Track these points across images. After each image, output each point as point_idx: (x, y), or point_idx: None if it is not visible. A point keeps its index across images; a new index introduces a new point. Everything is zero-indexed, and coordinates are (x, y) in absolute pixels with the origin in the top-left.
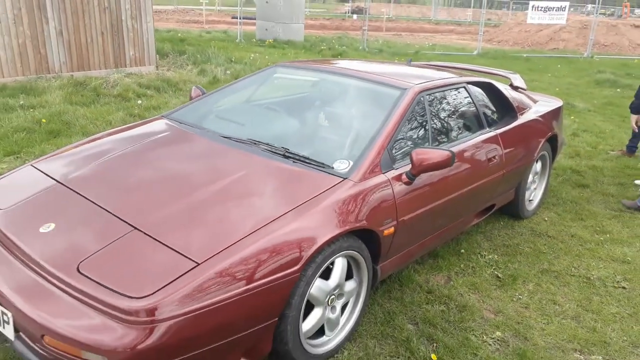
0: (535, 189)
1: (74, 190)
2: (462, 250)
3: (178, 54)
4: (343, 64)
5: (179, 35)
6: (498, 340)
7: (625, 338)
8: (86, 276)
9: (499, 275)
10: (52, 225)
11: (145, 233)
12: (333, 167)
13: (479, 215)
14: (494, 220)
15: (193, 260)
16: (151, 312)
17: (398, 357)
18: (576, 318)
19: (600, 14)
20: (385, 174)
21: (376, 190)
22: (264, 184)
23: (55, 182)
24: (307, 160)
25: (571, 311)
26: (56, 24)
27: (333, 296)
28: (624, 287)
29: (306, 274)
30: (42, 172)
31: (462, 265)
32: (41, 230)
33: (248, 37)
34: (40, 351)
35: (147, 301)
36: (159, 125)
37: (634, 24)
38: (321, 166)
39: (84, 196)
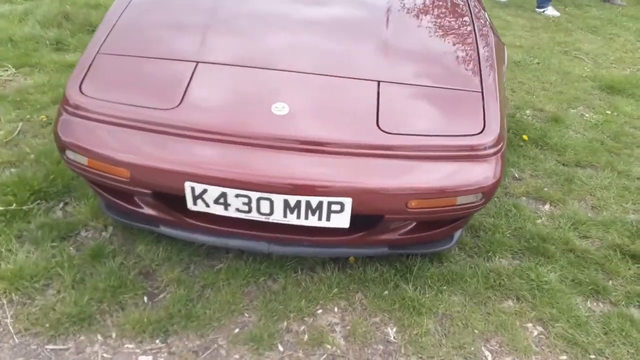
0: None
1: (245, 66)
2: None
3: None
4: None
5: None
6: None
7: None
8: (396, 133)
9: None
10: (284, 105)
11: (395, 82)
12: None
13: None
14: None
15: (476, 91)
16: (496, 143)
17: None
18: None
19: None
20: None
21: None
22: None
23: (207, 63)
24: None
25: None
26: None
27: None
28: None
29: None
30: (158, 57)
31: None
32: (276, 112)
33: None
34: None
35: (489, 136)
36: None
37: None
38: None
39: (266, 68)
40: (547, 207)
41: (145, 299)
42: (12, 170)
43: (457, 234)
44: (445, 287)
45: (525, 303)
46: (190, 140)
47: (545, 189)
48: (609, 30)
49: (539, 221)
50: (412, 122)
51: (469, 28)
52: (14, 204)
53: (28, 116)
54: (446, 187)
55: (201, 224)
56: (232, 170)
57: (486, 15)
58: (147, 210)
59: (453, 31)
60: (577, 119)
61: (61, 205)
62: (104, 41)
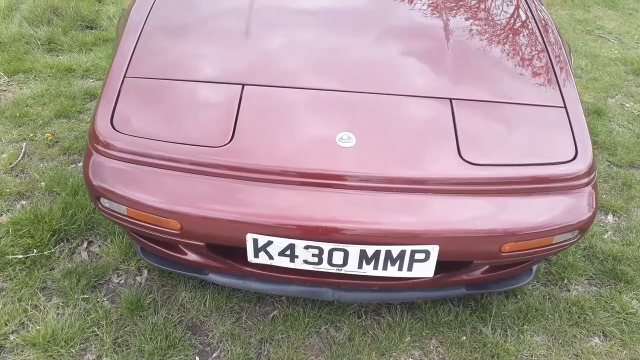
0: None
1: (298, 87)
2: None
3: None
4: None
5: None
6: None
7: None
8: (483, 164)
9: None
10: (349, 135)
11: (469, 99)
12: None
13: None
14: None
15: (559, 107)
16: (590, 170)
17: None
18: None
19: None
20: None
21: None
22: None
23: (256, 86)
24: None
25: None
26: None
27: None
28: None
29: None
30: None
31: None
32: (342, 145)
33: None
34: (498, 262)
35: (583, 163)
36: None
37: None
38: None
39: (323, 89)
40: (610, 218)
41: (197, 359)
42: (23, 202)
43: (535, 267)
44: (526, 327)
45: (614, 340)
46: (249, 183)
47: (605, 196)
48: (628, 5)
49: (605, 236)
50: (497, 149)
51: (535, 32)
52: (35, 249)
53: (31, 134)
54: (545, 226)
55: (257, 271)
56: (302, 220)
57: (548, 15)
58: (193, 257)
59: (518, 38)
60: (619, 110)
61: (85, 245)
62: (130, 61)
